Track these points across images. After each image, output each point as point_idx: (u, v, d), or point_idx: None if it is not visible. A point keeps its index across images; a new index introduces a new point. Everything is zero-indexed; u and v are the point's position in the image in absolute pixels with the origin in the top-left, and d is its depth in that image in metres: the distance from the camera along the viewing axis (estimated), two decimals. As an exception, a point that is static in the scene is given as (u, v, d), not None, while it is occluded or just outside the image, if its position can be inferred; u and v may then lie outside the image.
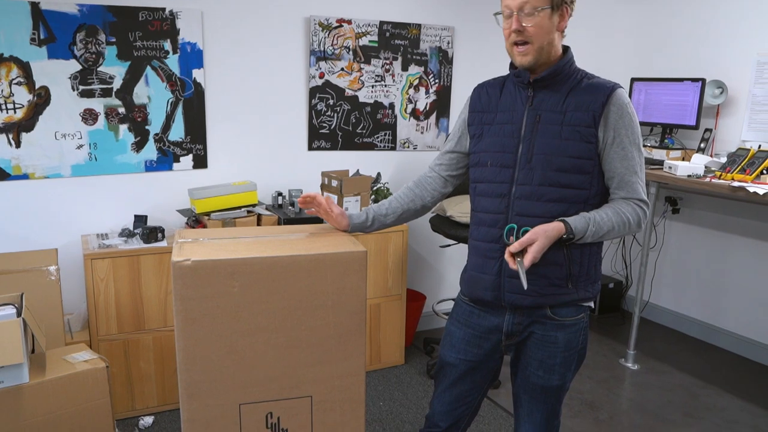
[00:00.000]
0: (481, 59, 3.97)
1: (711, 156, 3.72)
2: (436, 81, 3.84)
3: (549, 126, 1.73)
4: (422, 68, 3.78)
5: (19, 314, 2.24)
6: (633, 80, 4.16)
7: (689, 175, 3.33)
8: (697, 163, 3.43)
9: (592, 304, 1.88)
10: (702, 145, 3.80)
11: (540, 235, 1.65)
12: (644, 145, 4.04)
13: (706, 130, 3.81)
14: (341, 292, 1.77)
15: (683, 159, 3.77)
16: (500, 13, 1.75)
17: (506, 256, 1.69)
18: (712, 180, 3.23)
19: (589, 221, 1.70)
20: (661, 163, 3.62)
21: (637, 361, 3.75)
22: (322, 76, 3.53)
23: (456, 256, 4.14)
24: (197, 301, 1.68)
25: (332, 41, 3.51)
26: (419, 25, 3.72)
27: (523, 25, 1.69)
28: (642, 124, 4.18)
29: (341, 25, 3.51)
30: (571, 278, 1.77)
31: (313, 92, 3.53)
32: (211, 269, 1.68)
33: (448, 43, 3.82)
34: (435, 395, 2.04)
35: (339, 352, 1.82)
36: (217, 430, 1.77)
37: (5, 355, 2.10)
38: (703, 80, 3.77)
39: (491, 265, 1.82)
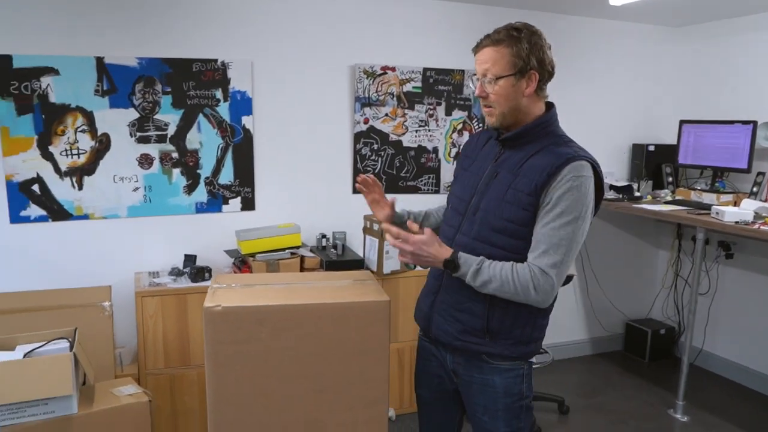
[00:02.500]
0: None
1: (765, 200, 3.62)
2: (480, 125, 3.90)
3: (500, 185, 1.76)
4: (466, 113, 3.84)
5: (71, 349, 2.39)
6: (682, 122, 4.11)
7: (737, 222, 3.25)
8: (746, 209, 3.34)
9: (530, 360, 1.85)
10: (754, 189, 3.71)
11: (418, 249, 1.69)
12: (693, 188, 3.97)
13: (759, 173, 3.71)
14: (365, 339, 1.83)
15: (735, 203, 3.68)
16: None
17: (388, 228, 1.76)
18: (761, 227, 3.14)
19: (477, 261, 1.69)
20: (709, 207, 3.55)
21: (686, 413, 3.63)
22: (366, 121, 3.65)
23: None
24: (227, 345, 1.77)
25: (377, 88, 3.63)
26: (462, 71, 3.80)
27: (486, 91, 1.74)
28: (691, 167, 4.11)
29: (385, 72, 3.63)
30: (489, 332, 1.77)
31: (357, 137, 3.64)
32: (241, 315, 1.77)
33: (492, 87, 3.88)
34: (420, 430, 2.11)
35: (363, 399, 1.87)
36: (244, 471, 1.84)
37: (56, 386, 2.24)
38: (754, 122, 3.69)
39: (429, 299, 1.93)
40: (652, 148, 4.24)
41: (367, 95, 3.62)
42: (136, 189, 3.23)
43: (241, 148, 3.40)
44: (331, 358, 1.82)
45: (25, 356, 2.34)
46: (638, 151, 4.29)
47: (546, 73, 1.74)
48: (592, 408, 3.66)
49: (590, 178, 1.68)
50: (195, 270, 3.09)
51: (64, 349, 2.39)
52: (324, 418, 1.85)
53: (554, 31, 3.95)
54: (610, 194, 4.02)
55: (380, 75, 3.62)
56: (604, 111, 4.26)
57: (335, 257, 3.32)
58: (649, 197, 4.05)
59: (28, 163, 3.04)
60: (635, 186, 4.14)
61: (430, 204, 3.87)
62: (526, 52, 1.70)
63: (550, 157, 1.69)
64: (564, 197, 1.64)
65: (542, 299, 1.68)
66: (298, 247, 3.33)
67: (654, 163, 4.24)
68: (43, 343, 2.44)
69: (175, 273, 3.15)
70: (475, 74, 1.80)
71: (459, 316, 1.80)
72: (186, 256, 3.28)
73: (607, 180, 4.16)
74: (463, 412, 2.02)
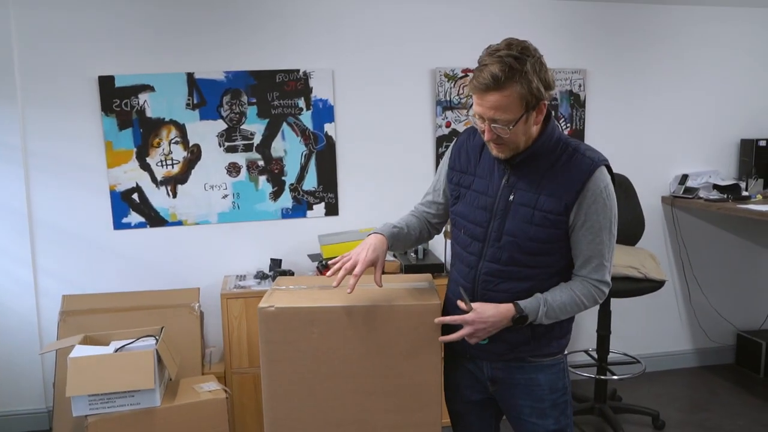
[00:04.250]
0: (616, 100, 3.83)
1: None
2: (568, 125, 3.77)
3: (521, 207, 1.69)
4: (552, 113, 3.72)
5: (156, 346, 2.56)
6: (742, 141, 3.81)
7: None
8: None
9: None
10: None
11: (478, 325, 1.67)
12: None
13: None
14: (416, 343, 1.82)
15: None
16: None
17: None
18: None
19: (540, 302, 1.68)
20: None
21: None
22: (448, 125, 3.63)
23: (595, 307, 3.95)
24: (279, 344, 1.83)
25: (458, 91, 3.60)
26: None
27: (496, 134, 1.62)
28: None
29: (466, 75, 3.59)
30: (534, 338, 1.76)
31: (440, 141, 3.63)
32: (293, 316, 1.82)
33: (580, 86, 3.74)
34: None
35: (413, 402, 1.86)
36: (298, 467, 1.89)
37: (140, 380, 2.41)
38: None
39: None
40: (763, 143, 3.91)
41: (448, 98, 3.60)
42: (225, 196, 3.41)
43: (323, 154, 3.49)
44: (380, 361, 1.83)
45: (115, 351, 2.53)
46: (747, 147, 3.97)
47: (551, 95, 1.65)
48: (691, 424, 3.41)
49: (610, 180, 1.69)
50: (278, 273, 3.20)
51: (150, 346, 2.56)
52: (373, 419, 1.86)
53: (652, 24, 3.75)
54: (713, 194, 3.75)
55: (461, 78, 3.59)
56: (708, 105, 3.96)
57: (415, 261, 3.33)
58: (759, 197, 3.73)
59: (129, 174, 3.30)
60: (743, 185, 3.83)
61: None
62: (535, 83, 1.55)
63: (571, 170, 1.66)
64: (597, 210, 1.66)
65: (598, 304, 1.77)
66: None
67: (765, 159, 3.90)
68: (133, 339, 2.63)
69: (260, 276, 3.29)
70: (473, 114, 1.67)
71: (503, 336, 1.75)
72: (272, 260, 3.41)
73: (711, 179, 3.89)
74: (498, 419, 1.99)
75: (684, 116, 3.93)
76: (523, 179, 1.70)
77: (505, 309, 1.68)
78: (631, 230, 3.44)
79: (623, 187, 3.44)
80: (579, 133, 3.79)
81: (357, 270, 1.73)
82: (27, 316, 3.35)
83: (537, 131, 1.68)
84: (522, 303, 1.69)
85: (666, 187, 3.98)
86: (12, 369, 3.38)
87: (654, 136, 3.91)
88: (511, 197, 1.71)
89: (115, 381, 2.42)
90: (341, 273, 1.75)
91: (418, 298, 1.86)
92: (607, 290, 1.74)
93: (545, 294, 1.71)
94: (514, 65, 1.53)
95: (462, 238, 1.83)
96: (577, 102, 3.77)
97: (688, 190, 3.84)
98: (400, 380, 1.84)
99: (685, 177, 3.89)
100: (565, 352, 1.86)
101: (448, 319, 1.74)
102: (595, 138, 3.81)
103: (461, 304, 1.72)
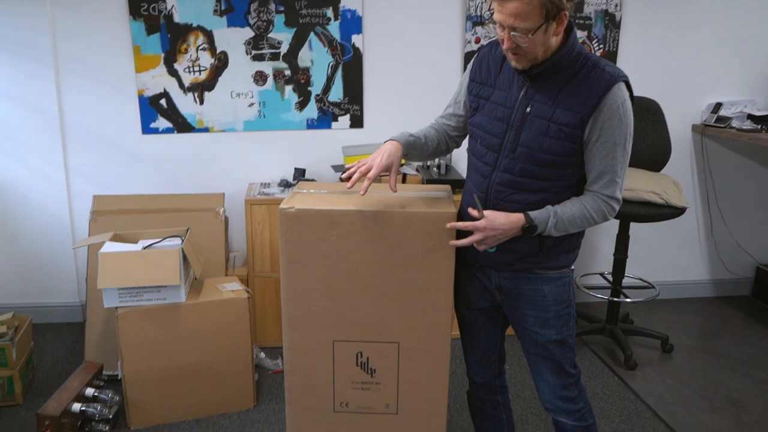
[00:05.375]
0: (653, 22, 3.69)
1: None
2: (601, 46, 3.67)
3: (537, 119, 1.69)
4: (585, 33, 3.63)
5: (182, 245, 2.66)
6: None
7: None
8: None
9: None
10: None
11: (488, 232, 1.71)
12: None
13: None
14: (431, 249, 1.88)
15: None
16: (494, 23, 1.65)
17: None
18: None
19: (550, 214, 1.70)
20: None
21: (810, 363, 3.35)
22: (477, 41, 3.56)
23: (613, 230, 3.97)
24: (299, 245, 1.90)
25: (489, 6, 3.51)
26: (584, -13, 3.57)
27: (516, 44, 1.61)
28: None
29: (499, -11, 3.49)
30: (542, 250, 1.79)
31: (468, 57, 3.57)
32: (312, 217, 1.88)
33: (616, 5, 3.62)
34: (464, 351, 2.12)
35: (426, 306, 1.93)
36: (313, 361, 2.00)
37: (166, 276, 2.52)
38: None
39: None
40: (803, 73, 3.78)
41: (479, 14, 3.52)
42: (251, 104, 3.43)
43: (350, 66, 3.47)
44: (395, 264, 1.89)
45: (143, 249, 2.64)
46: (786, 76, 3.84)
47: (571, 6, 1.61)
48: (700, 350, 3.48)
49: (628, 97, 1.67)
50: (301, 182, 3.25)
51: (176, 245, 2.66)
52: (387, 320, 1.94)
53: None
54: (746, 124, 3.67)
55: (494, -8, 3.49)
56: (749, 33, 3.81)
57: (437, 176, 3.35)
58: (794, 128, 3.64)
59: (156, 79, 3.33)
60: (778, 115, 3.73)
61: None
62: None
63: (589, 85, 1.64)
64: (612, 126, 1.65)
65: (612, 218, 1.78)
66: (402, 165, 3.38)
67: (805, 90, 3.78)
68: (160, 239, 2.73)
69: (284, 184, 3.35)
70: (493, 22, 1.64)
71: (512, 246, 1.79)
72: (296, 169, 3.46)
73: (746, 109, 3.79)
74: (504, 326, 2.05)
75: (722, 43, 3.79)
76: (541, 92, 1.70)
77: (516, 218, 1.72)
78: (656, 156, 3.40)
79: (652, 112, 3.38)
80: (612, 55, 3.70)
81: (371, 173, 1.78)
82: (60, 215, 3.48)
83: (557, 43, 1.66)
84: (532, 213, 1.72)
85: (698, 116, 3.90)
86: (48, 265, 3.55)
87: (689, 62, 3.79)
88: (528, 109, 1.72)
89: (143, 276, 2.53)
90: (356, 176, 1.79)
91: (434, 206, 1.90)
92: (617, 207, 1.75)
93: (556, 206, 1.73)
94: None
95: (478, 149, 1.85)
96: (612, 22, 3.65)
97: (721, 119, 3.75)
98: (415, 283, 1.91)
99: (718, 105, 3.80)
100: (572, 267, 1.89)
101: (460, 224, 1.78)
102: (628, 61, 3.71)
103: (473, 212, 1.76)
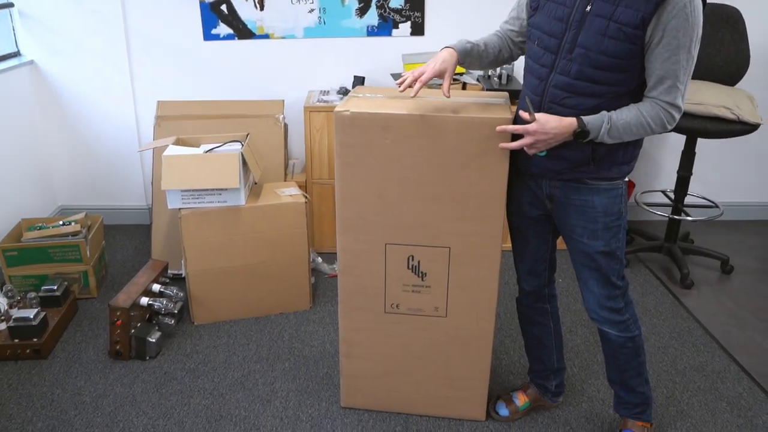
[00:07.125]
0: None
1: None
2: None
3: (597, 18, 1.61)
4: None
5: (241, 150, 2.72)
6: None
7: None
8: None
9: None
10: None
11: (539, 135, 1.68)
12: None
13: None
14: (484, 155, 1.86)
15: None
16: None
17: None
18: None
19: (604, 119, 1.64)
20: None
21: None
22: (547, -58, 3.37)
23: (679, 146, 3.83)
24: (353, 148, 1.91)
25: None
26: None
27: None
28: None
29: None
30: (595, 160, 1.74)
31: (535, -40, 3.40)
32: (367, 121, 1.88)
33: None
34: (515, 259, 2.13)
35: (478, 212, 1.94)
36: (365, 263, 2.05)
37: (226, 179, 2.60)
38: None
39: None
40: None
41: None
42: (311, 11, 3.39)
43: (412, -29, 3.36)
44: (449, 170, 1.89)
45: (205, 153, 2.71)
46: None
47: None
48: (760, 272, 3.39)
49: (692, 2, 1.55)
50: (359, 91, 3.24)
51: (236, 150, 2.72)
52: (439, 225, 1.97)
53: None
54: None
55: None
56: None
57: (497, 86, 3.28)
58: None
59: (217, -17, 3.31)
60: None
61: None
62: None
63: None
64: (677, 26, 1.56)
65: (671, 128, 1.70)
66: (461, 74, 3.33)
67: None
68: (221, 143, 2.80)
69: (343, 92, 3.34)
70: None
71: (564, 154, 1.76)
72: (355, 77, 3.43)
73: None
74: (554, 236, 2.04)
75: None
76: None
77: (568, 122, 1.68)
78: (731, 68, 3.21)
79: (732, 19, 3.17)
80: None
81: (423, 77, 1.77)
82: (127, 120, 3.59)
83: None
84: (585, 118, 1.68)
85: (784, 25, 3.64)
86: (117, 169, 3.71)
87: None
88: (588, 8, 1.64)
89: (205, 179, 2.61)
90: (408, 79, 1.79)
91: (490, 111, 1.87)
92: (677, 115, 1.67)
93: (611, 112, 1.68)
94: None
95: (535, 50, 1.80)
96: None
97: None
98: (467, 189, 1.91)
99: (807, 14, 3.53)
100: (626, 179, 1.85)
101: (510, 128, 1.76)
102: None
103: (524, 115, 1.73)
